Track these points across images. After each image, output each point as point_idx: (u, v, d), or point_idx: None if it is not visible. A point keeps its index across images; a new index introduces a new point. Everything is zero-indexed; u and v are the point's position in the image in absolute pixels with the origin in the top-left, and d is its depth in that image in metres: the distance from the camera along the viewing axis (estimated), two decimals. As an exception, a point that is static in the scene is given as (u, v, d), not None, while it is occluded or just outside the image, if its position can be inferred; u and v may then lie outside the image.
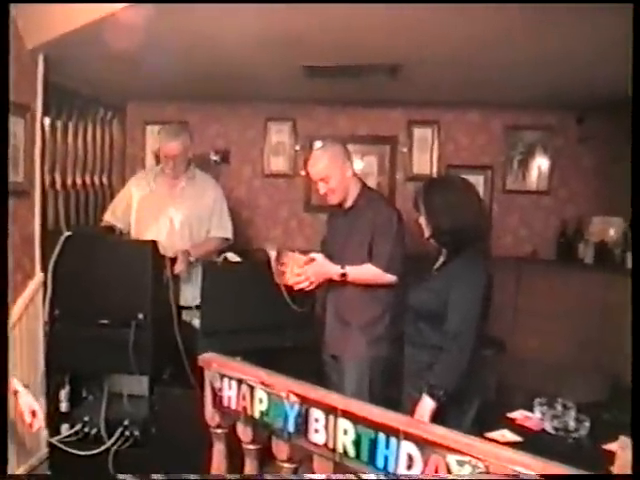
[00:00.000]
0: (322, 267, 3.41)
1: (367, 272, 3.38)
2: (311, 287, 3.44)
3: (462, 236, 2.67)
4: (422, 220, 2.79)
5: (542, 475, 1.57)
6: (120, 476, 3.15)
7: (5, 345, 2.67)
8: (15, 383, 2.66)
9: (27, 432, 2.89)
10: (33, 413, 2.63)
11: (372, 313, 3.47)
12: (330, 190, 3.46)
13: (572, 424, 2.76)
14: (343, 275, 3.39)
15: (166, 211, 4.21)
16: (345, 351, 3.51)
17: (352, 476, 1.96)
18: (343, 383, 3.45)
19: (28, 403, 2.63)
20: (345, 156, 3.51)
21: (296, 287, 3.43)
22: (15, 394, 2.64)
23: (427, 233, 2.78)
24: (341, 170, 3.45)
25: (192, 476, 2.19)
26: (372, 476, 1.88)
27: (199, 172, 4.45)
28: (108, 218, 4.35)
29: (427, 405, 2.57)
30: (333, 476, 2.03)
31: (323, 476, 2.05)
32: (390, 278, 3.38)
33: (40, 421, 2.68)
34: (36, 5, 3.24)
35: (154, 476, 2.10)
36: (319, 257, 3.42)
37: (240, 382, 2.30)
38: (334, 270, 3.40)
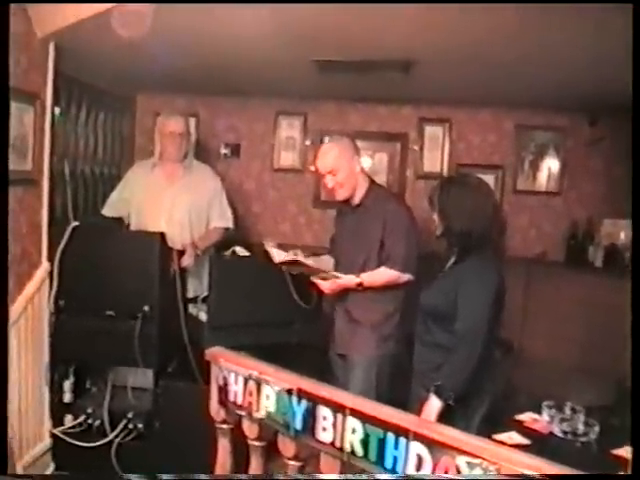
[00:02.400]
0: (338, 283, 3.38)
1: (383, 275, 3.36)
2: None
3: (471, 239, 2.63)
4: (435, 218, 2.76)
5: (546, 475, 1.54)
6: (125, 476, 3.14)
7: (5, 345, 2.66)
8: None
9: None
10: None
11: (383, 311, 3.44)
12: (338, 184, 3.43)
13: (581, 428, 2.73)
14: (359, 284, 3.36)
15: (165, 202, 4.19)
16: (354, 350, 3.49)
17: (364, 476, 1.93)
18: (350, 381, 3.42)
19: None
20: (354, 151, 3.48)
21: None
22: None
23: (439, 231, 2.75)
24: (349, 164, 3.42)
25: (201, 476, 2.16)
26: (385, 476, 1.86)
27: (197, 162, 4.45)
28: (106, 212, 4.35)
29: (434, 405, 2.55)
30: (343, 476, 2.00)
31: (334, 476, 2.02)
32: (406, 277, 3.36)
33: None
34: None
35: (164, 476, 2.06)
36: (338, 276, 3.39)
37: (247, 377, 2.28)
38: (349, 281, 3.36)
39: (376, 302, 3.43)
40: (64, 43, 3.62)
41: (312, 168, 5.51)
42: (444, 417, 2.52)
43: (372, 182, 3.55)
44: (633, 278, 1.73)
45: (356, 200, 3.49)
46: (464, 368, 2.55)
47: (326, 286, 3.40)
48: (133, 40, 3.35)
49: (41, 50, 3.53)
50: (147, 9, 2.96)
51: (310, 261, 3.46)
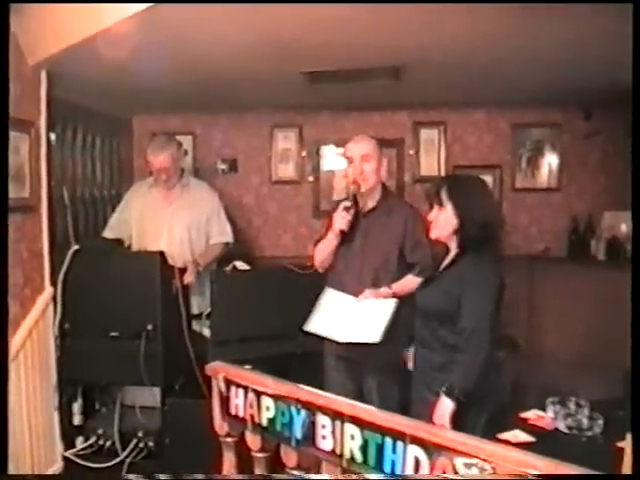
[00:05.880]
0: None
1: (411, 284, 3.16)
2: None
3: (490, 230, 2.63)
4: (441, 215, 2.70)
5: (544, 475, 1.54)
6: (128, 476, 3.16)
7: (5, 345, 2.68)
8: None
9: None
10: None
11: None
12: (367, 172, 3.29)
13: (585, 422, 2.71)
14: (393, 295, 3.20)
15: (164, 221, 4.23)
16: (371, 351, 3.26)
17: (357, 476, 1.94)
18: (370, 388, 3.35)
19: None
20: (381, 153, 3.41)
21: None
22: None
23: (447, 229, 2.71)
24: (379, 159, 3.35)
25: (198, 475, 2.18)
26: (380, 476, 1.87)
27: (193, 180, 4.50)
28: (107, 234, 4.40)
29: (446, 406, 2.53)
30: (340, 476, 2.01)
31: (328, 476, 2.03)
32: None
33: None
34: (36, 20, 3.24)
35: (161, 476, 2.09)
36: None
37: (247, 390, 2.30)
38: (383, 294, 3.20)
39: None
40: (56, 69, 3.66)
41: (311, 179, 5.56)
42: (454, 418, 2.52)
43: (386, 190, 3.46)
44: (633, 272, 1.73)
45: (369, 205, 3.37)
46: (474, 367, 2.54)
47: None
48: (125, 62, 3.39)
49: (33, 78, 3.57)
50: (137, 31, 2.99)
51: None
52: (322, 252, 3.44)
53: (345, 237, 3.38)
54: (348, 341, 3.11)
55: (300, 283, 3.65)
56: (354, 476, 1.92)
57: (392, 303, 3.13)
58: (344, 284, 3.31)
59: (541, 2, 2.72)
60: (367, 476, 1.89)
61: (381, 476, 1.84)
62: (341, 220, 3.27)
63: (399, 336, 3.29)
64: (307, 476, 2.16)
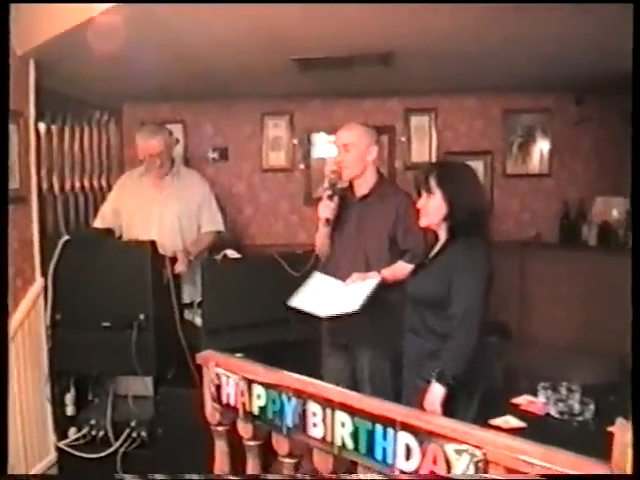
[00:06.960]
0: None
1: (402, 270, 3.16)
2: None
3: (479, 217, 2.65)
4: (431, 201, 2.68)
5: (542, 475, 1.55)
6: (118, 476, 3.16)
7: (5, 345, 2.67)
8: None
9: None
10: None
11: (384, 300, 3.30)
12: (346, 162, 3.34)
13: (577, 407, 2.74)
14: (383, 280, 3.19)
15: (155, 210, 4.20)
16: (362, 340, 3.37)
17: (356, 476, 1.94)
18: (361, 376, 3.37)
19: None
20: (373, 142, 3.40)
21: None
22: None
23: (437, 216, 2.70)
24: (366, 148, 3.35)
25: (194, 476, 2.18)
26: (376, 476, 1.87)
27: (184, 168, 4.50)
28: (98, 224, 4.36)
29: (437, 392, 2.54)
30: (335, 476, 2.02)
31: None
32: None
33: None
34: (24, 10, 3.22)
35: (155, 476, 2.09)
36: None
37: (238, 378, 2.30)
38: (371, 277, 3.20)
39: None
40: (45, 59, 3.64)
41: (302, 166, 5.55)
42: (446, 403, 2.53)
43: (381, 177, 3.48)
44: (633, 259, 1.73)
45: (363, 191, 3.40)
46: (464, 352, 2.55)
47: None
48: (113, 51, 3.37)
49: (21, 67, 3.55)
50: (125, 20, 2.97)
51: None
52: (318, 240, 3.50)
53: (339, 224, 3.43)
54: (329, 314, 3.16)
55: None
56: (354, 476, 1.92)
57: (375, 280, 3.16)
58: (338, 269, 3.34)
59: (541, 2, 2.73)
60: (363, 476, 1.89)
61: (382, 476, 1.84)
62: (325, 209, 3.33)
63: (394, 325, 3.31)
64: (303, 476, 2.17)
